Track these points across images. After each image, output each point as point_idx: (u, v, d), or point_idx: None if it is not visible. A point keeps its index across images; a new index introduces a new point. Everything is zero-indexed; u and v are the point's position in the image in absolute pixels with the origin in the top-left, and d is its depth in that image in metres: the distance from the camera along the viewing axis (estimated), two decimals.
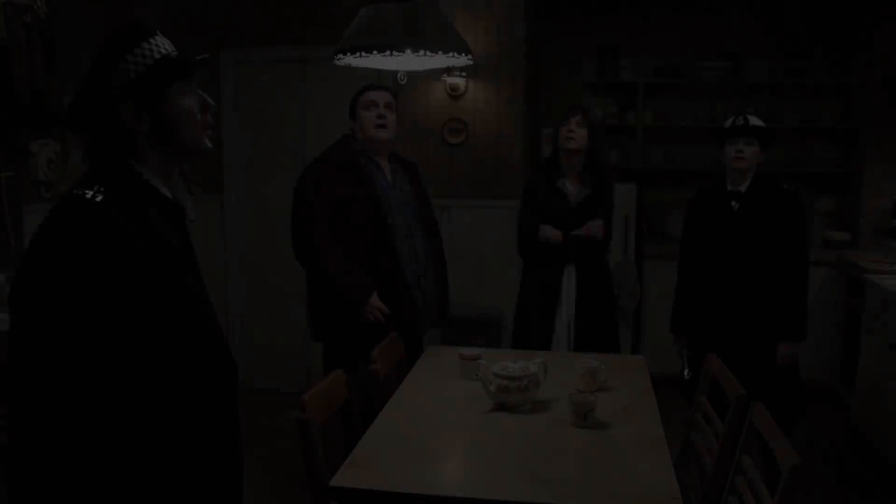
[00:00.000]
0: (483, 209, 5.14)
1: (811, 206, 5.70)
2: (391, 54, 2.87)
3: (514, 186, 5.10)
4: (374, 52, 2.86)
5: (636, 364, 3.26)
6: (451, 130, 5.13)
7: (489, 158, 5.12)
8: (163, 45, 1.62)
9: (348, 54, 2.91)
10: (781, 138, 5.66)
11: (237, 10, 5.26)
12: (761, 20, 5.79)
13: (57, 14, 4.22)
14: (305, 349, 5.26)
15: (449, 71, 4.88)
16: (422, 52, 2.86)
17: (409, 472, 2.19)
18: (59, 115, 4.67)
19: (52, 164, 4.52)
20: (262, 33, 5.25)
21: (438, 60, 3.08)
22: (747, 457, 2.48)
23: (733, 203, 3.54)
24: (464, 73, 4.97)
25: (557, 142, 3.89)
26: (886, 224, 5.12)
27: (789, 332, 3.51)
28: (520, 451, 2.35)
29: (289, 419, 4.68)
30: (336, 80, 4.79)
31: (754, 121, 3.51)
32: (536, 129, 5.77)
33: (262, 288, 5.46)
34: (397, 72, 3.41)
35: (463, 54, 2.95)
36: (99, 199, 1.45)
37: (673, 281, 3.83)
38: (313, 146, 4.55)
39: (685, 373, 3.66)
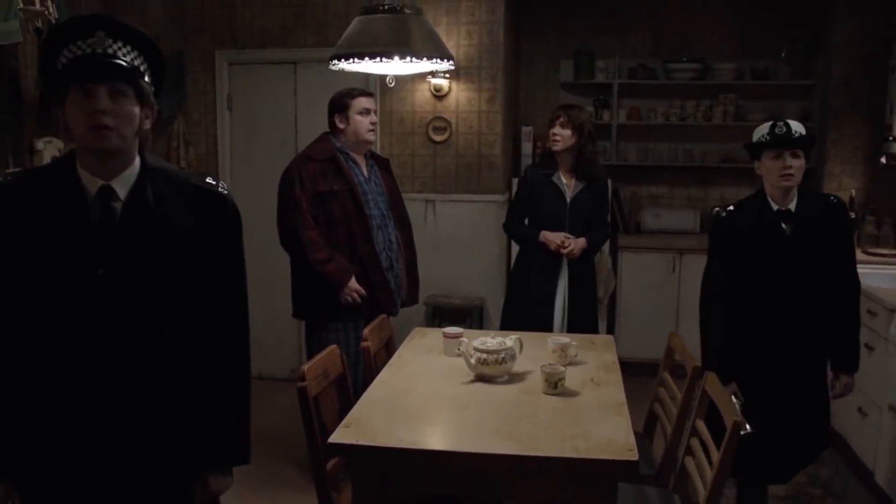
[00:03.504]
0: (466, 203, 5.43)
1: None
2: (381, 60, 3.17)
3: (496, 182, 5.41)
4: (366, 58, 3.16)
5: (604, 342, 3.56)
6: (436, 129, 5.41)
7: (471, 155, 5.40)
8: (85, 47, 1.76)
9: (342, 60, 3.21)
10: (748, 136, 5.99)
11: (232, 13, 5.50)
12: (728, 25, 6.09)
13: (65, 17, 4.45)
14: (297, 338, 5.52)
15: (433, 73, 5.16)
16: (408, 59, 3.16)
17: (398, 432, 2.48)
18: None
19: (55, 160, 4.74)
20: (255, 36, 5.50)
21: (423, 66, 3.39)
22: (700, 421, 2.79)
23: (784, 225, 3.08)
24: (447, 75, 5.25)
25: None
26: None
27: (848, 363, 3.18)
28: (496, 414, 2.63)
29: (274, 406, 4.93)
30: (325, 81, 5.04)
31: (797, 127, 3.02)
32: (517, 127, 6.06)
33: (254, 279, 5.69)
34: (386, 76, 3.69)
35: (445, 60, 3.25)
36: (9, 179, 1.87)
37: (655, 279, 4.01)
38: (304, 143, 4.80)
39: (745, 426, 2.83)
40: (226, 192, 2.04)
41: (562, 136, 4.01)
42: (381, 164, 4.04)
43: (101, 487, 1.88)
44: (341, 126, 3.77)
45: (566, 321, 4.13)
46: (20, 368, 1.83)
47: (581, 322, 4.11)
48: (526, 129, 5.95)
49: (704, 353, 3.18)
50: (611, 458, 2.30)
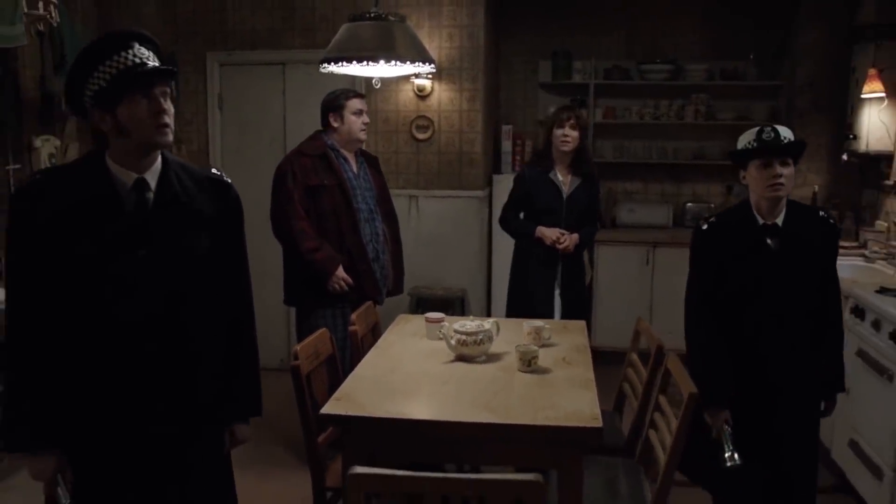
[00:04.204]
0: (448, 199, 5.67)
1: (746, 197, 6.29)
2: (367, 64, 3.41)
3: (476, 178, 5.65)
4: (354, 62, 3.39)
5: (576, 326, 3.79)
6: (419, 127, 5.65)
7: (453, 153, 5.64)
8: (129, 57, 2.00)
9: (332, 63, 3.44)
10: (719, 134, 6.27)
11: (222, 16, 5.71)
12: (699, 28, 6.36)
13: (66, 22, 4.66)
14: (286, 329, 5.74)
15: (416, 75, 5.40)
16: (393, 63, 3.40)
17: (385, 404, 2.71)
18: (64, 113, 5.13)
19: (52, 157, 4.95)
20: (245, 38, 5.72)
21: (407, 69, 3.63)
22: (663, 396, 3.04)
23: (770, 241, 2.84)
24: (430, 76, 5.48)
25: (551, 139, 4.24)
26: None
27: (836, 385, 3.01)
28: (474, 389, 2.86)
29: (266, 393, 5.13)
30: (313, 81, 5.24)
31: (785, 132, 2.79)
32: (497, 126, 6.30)
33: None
34: (372, 78, 3.93)
35: (427, 63, 3.49)
36: (38, 177, 2.09)
37: (630, 271, 4.14)
38: (292, 141, 5.02)
39: (733, 456, 2.79)
40: (230, 181, 2.33)
41: (572, 137, 4.16)
42: (370, 161, 4.27)
43: (150, 448, 2.12)
44: (335, 125, 4.00)
45: (561, 310, 4.32)
46: (71, 345, 2.04)
47: (574, 311, 4.31)
48: (506, 128, 6.20)
49: (697, 380, 2.72)
50: (578, 425, 2.53)
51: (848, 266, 4.93)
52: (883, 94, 5.05)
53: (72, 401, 2.06)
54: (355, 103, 3.97)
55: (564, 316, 4.28)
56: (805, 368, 2.92)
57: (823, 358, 2.96)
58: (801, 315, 2.89)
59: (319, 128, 4.11)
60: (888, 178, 5.25)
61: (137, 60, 2.02)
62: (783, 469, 2.94)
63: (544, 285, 4.31)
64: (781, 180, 2.74)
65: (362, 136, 4.03)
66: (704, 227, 2.98)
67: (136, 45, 2.04)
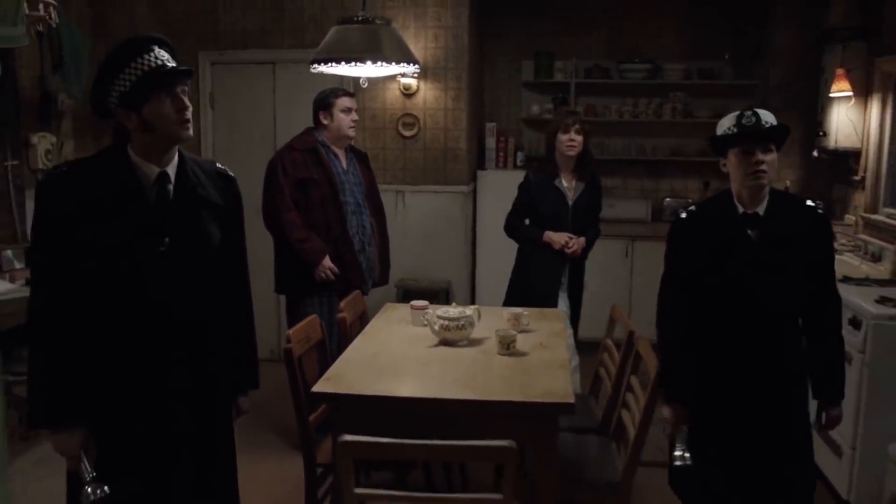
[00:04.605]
0: (433, 194, 5.86)
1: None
2: (355, 65, 3.59)
3: (461, 174, 5.84)
4: (342, 63, 3.58)
5: (554, 314, 3.98)
6: (405, 125, 5.83)
7: (438, 149, 5.83)
8: (152, 59, 2.16)
9: (322, 64, 3.62)
10: (696, 131, 6.47)
11: (214, 16, 5.87)
12: (678, 29, 6.57)
13: (64, 23, 4.81)
14: (276, 320, 5.91)
15: (402, 74, 5.57)
16: (379, 63, 3.58)
17: (371, 383, 2.89)
18: (62, 111, 5.29)
19: (49, 153, 5.10)
20: (236, 38, 5.88)
21: (392, 69, 3.82)
22: (635, 377, 3.23)
23: (750, 231, 2.66)
24: (416, 75, 5.66)
25: (555, 144, 4.25)
26: None
27: (834, 392, 2.78)
28: (456, 370, 3.04)
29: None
30: (302, 80, 5.40)
31: (767, 117, 2.65)
32: (481, 124, 6.49)
33: None
34: (359, 77, 4.11)
35: (412, 64, 3.68)
36: (63, 169, 2.24)
37: (610, 264, 4.16)
38: (282, 138, 5.19)
39: (683, 456, 2.76)
40: (233, 175, 2.52)
41: (578, 141, 4.18)
42: (360, 158, 4.47)
43: (170, 421, 2.28)
44: (325, 122, 4.18)
45: (570, 309, 4.38)
46: (94, 326, 2.18)
47: (576, 312, 4.44)
48: (490, 126, 6.39)
49: (662, 374, 2.81)
50: (551, 401, 2.73)
51: None
52: (850, 93, 5.27)
53: (95, 378, 2.20)
54: (344, 101, 4.14)
55: (573, 315, 4.38)
56: (788, 371, 2.71)
57: (821, 366, 2.75)
58: (786, 313, 2.69)
59: (310, 125, 4.29)
60: (856, 174, 5.48)
61: (159, 62, 2.17)
62: (755, 473, 2.74)
63: (550, 286, 4.33)
64: (763, 167, 2.56)
65: (351, 132, 4.21)
66: (683, 215, 2.82)
67: (157, 48, 2.19)
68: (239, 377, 2.55)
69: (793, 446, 2.75)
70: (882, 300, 3.72)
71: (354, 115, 4.20)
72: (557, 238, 4.26)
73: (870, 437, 3.58)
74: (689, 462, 2.73)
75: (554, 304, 4.29)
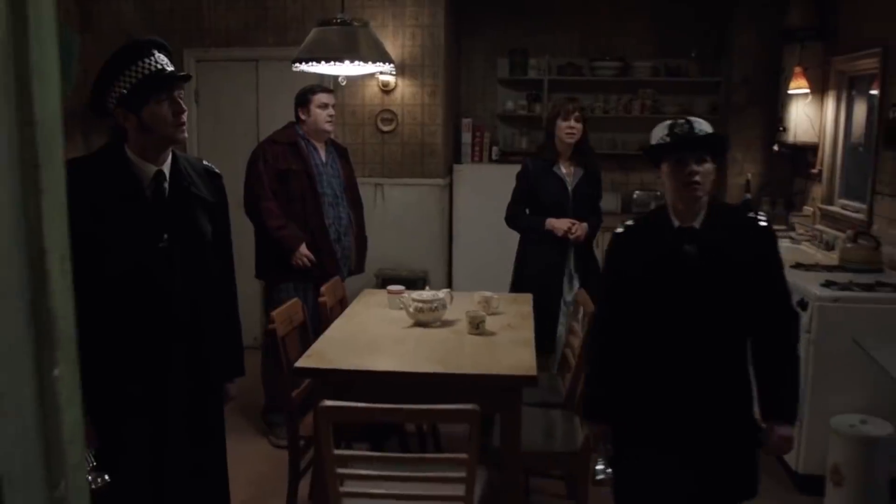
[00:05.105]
0: (411, 187, 6.09)
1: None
2: (334, 64, 3.82)
3: (437, 167, 6.08)
4: (322, 62, 3.81)
5: (524, 298, 4.21)
6: (384, 120, 6.06)
7: (415, 144, 6.07)
8: (151, 64, 2.25)
9: (303, 63, 3.85)
10: None
11: (198, 15, 6.07)
12: (647, 28, 6.83)
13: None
14: (258, 309, 6.11)
15: (379, 72, 5.80)
16: (356, 63, 3.82)
17: (350, 359, 3.13)
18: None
19: None
20: (220, 36, 6.07)
21: (369, 68, 4.06)
22: None
23: (687, 246, 2.49)
24: (394, 72, 5.88)
25: (554, 131, 4.27)
26: (741, 197, 6.21)
27: (784, 411, 2.57)
28: (429, 348, 3.28)
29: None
30: (285, 77, 5.58)
31: (701, 125, 2.50)
32: (458, 119, 6.73)
33: None
34: (338, 76, 4.34)
35: (388, 64, 3.92)
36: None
37: None
38: (265, 134, 5.36)
39: (605, 470, 2.83)
40: (219, 171, 2.69)
41: (577, 129, 4.21)
42: (339, 151, 4.69)
43: (168, 408, 2.41)
44: (304, 118, 4.41)
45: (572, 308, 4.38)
46: (94, 318, 2.17)
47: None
48: (466, 121, 6.63)
49: (584, 391, 2.78)
50: (515, 374, 2.97)
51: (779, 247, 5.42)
52: (807, 91, 5.55)
53: (96, 371, 2.26)
54: (321, 97, 4.36)
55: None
56: (728, 394, 2.54)
57: (773, 385, 2.56)
58: (726, 332, 2.51)
59: (293, 120, 4.51)
60: (814, 167, 5.76)
61: (159, 66, 2.29)
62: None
63: (549, 277, 4.35)
64: (697, 178, 2.41)
65: (328, 127, 4.42)
66: (619, 230, 2.68)
67: (157, 53, 2.31)
68: (225, 365, 2.69)
69: (734, 473, 2.56)
70: (827, 283, 3.99)
71: (331, 111, 4.40)
72: (559, 224, 4.27)
73: (815, 411, 3.85)
74: (610, 477, 2.62)
75: (558, 295, 4.33)
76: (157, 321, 2.37)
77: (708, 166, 2.45)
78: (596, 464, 2.75)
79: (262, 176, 4.31)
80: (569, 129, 4.21)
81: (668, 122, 2.54)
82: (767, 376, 2.57)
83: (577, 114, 4.22)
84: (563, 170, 4.31)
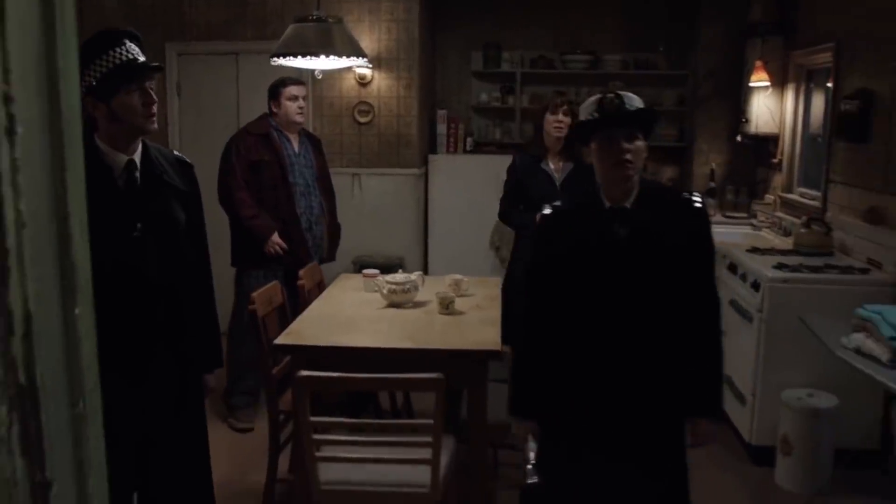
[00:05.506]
0: (387, 176, 6.29)
1: (658, 175, 7.03)
2: (310, 58, 4.01)
3: (413, 157, 6.27)
4: (299, 56, 3.99)
5: (493, 282, 4.42)
6: (361, 112, 6.24)
7: (391, 135, 6.26)
8: (122, 53, 2.22)
9: (281, 58, 4.03)
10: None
11: (180, 9, 6.22)
12: (616, 22, 7.04)
13: None
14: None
15: (353, 66, 5.98)
16: (331, 57, 4.01)
17: (327, 337, 3.33)
18: None
19: None
20: (201, 29, 6.23)
21: (343, 62, 4.25)
22: None
23: (617, 227, 2.36)
24: (370, 66, 6.06)
25: (542, 124, 4.20)
26: (706, 186, 6.44)
27: (707, 404, 2.46)
28: (401, 327, 3.48)
29: None
30: (264, 70, 5.72)
31: (632, 101, 2.37)
32: (432, 111, 6.93)
33: None
34: (314, 70, 4.53)
35: (362, 58, 4.12)
36: None
37: None
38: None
39: (533, 473, 2.59)
40: (190, 161, 2.71)
41: (565, 123, 4.10)
42: (313, 142, 4.85)
43: (148, 395, 2.43)
44: (275, 110, 4.56)
45: None
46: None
47: None
48: (441, 112, 6.82)
49: (510, 386, 2.61)
50: (481, 348, 3.18)
51: (738, 233, 5.67)
52: (768, 84, 5.79)
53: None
54: (290, 90, 4.49)
55: None
56: (660, 385, 2.40)
57: (691, 373, 2.40)
58: (658, 319, 2.37)
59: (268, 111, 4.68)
60: (774, 157, 6.00)
61: (130, 56, 2.28)
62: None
63: None
64: (628, 156, 2.28)
65: (297, 118, 4.56)
66: (547, 211, 2.53)
67: (128, 42, 2.29)
68: (204, 356, 2.69)
69: (661, 473, 2.44)
70: (779, 266, 4.23)
71: (301, 103, 4.52)
72: None
73: (767, 386, 4.10)
74: (537, 482, 2.44)
75: None
76: (135, 312, 2.36)
77: (639, 144, 2.32)
78: (528, 467, 2.49)
79: (234, 167, 4.45)
80: (556, 123, 4.14)
81: (598, 96, 2.38)
82: (690, 367, 2.40)
83: (564, 107, 4.14)
84: (552, 165, 4.23)
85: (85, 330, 0.95)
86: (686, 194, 2.48)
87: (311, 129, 5.94)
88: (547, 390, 2.46)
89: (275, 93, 4.56)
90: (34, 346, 0.83)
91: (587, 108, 2.40)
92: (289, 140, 4.63)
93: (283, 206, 4.55)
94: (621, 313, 2.36)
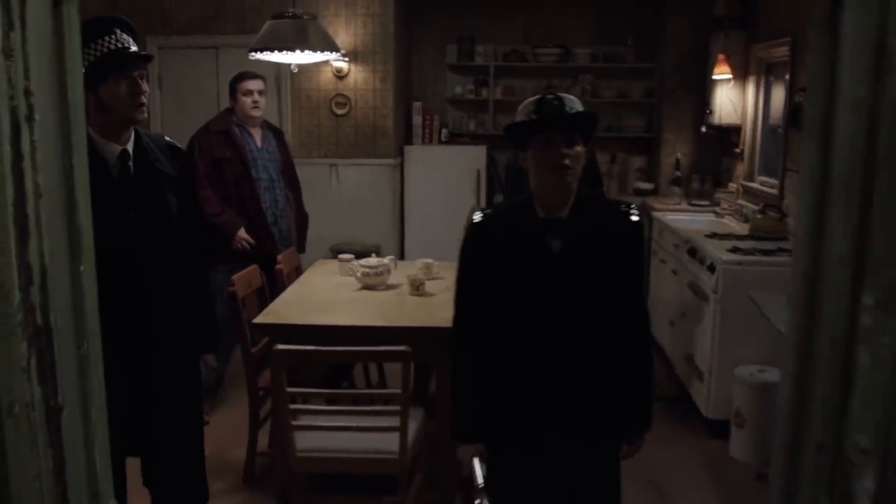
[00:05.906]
0: (364, 167, 6.48)
1: (627, 165, 7.27)
2: (286, 53, 4.21)
3: (388, 148, 6.47)
4: (275, 51, 4.19)
5: None
6: (338, 104, 6.43)
7: (368, 126, 6.45)
8: (111, 42, 2.22)
9: (259, 53, 4.23)
10: (603, 110, 7.17)
11: (161, 3, 6.36)
12: (586, 16, 7.25)
13: None
14: None
15: (328, 60, 6.16)
16: (307, 52, 4.21)
17: (305, 316, 3.53)
18: None
19: None
20: (181, 24, 6.38)
21: (318, 57, 4.44)
22: None
23: (550, 240, 2.24)
24: (347, 59, 6.25)
25: None
26: (672, 175, 6.68)
27: (641, 426, 2.42)
28: (374, 307, 3.69)
29: None
30: (243, 64, 5.85)
31: (572, 103, 2.22)
32: (408, 103, 7.12)
33: None
34: (290, 64, 4.72)
35: (336, 53, 4.32)
36: None
37: None
38: None
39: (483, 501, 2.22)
40: (180, 145, 2.84)
41: None
42: (276, 135, 4.86)
43: (146, 381, 2.47)
44: (233, 105, 4.63)
45: None
46: None
47: None
48: (416, 104, 7.02)
49: (452, 411, 2.44)
50: (448, 325, 3.37)
51: (703, 220, 5.89)
52: (730, 76, 6.01)
53: None
54: (245, 85, 4.53)
55: None
56: (597, 405, 2.32)
57: (626, 398, 2.35)
58: (589, 333, 2.28)
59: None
60: (737, 147, 6.24)
61: (120, 45, 2.28)
62: None
63: None
64: (567, 162, 2.15)
65: (253, 113, 4.57)
66: (477, 218, 2.37)
67: (118, 31, 2.30)
68: (203, 339, 2.74)
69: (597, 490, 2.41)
70: (734, 249, 4.47)
71: (256, 97, 4.52)
72: None
73: (722, 363, 4.32)
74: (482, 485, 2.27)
75: None
76: (133, 300, 2.36)
77: (579, 149, 2.18)
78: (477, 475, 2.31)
79: (197, 165, 4.48)
80: None
81: (536, 97, 2.25)
82: (623, 388, 2.34)
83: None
84: None
85: (88, 283, 1.15)
86: (624, 206, 2.35)
87: (289, 122, 6.16)
88: (487, 409, 2.35)
89: (231, 88, 4.60)
90: (49, 294, 1.04)
91: (524, 109, 2.26)
92: (251, 135, 4.65)
93: (248, 202, 4.58)
94: (551, 328, 2.25)
